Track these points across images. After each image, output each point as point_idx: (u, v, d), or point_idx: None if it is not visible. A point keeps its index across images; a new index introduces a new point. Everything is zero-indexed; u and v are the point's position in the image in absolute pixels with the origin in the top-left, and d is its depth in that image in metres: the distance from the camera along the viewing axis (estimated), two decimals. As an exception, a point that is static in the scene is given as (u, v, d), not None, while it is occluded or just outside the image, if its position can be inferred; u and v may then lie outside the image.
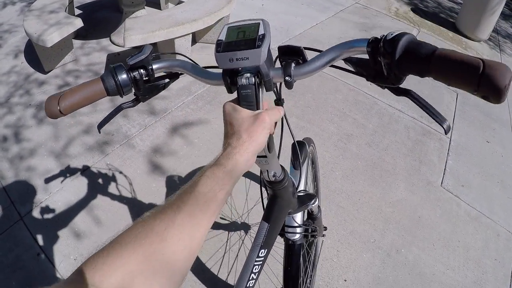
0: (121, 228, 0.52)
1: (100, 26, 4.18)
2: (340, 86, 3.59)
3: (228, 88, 0.74)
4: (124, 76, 0.77)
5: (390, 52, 0.59)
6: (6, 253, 2.09)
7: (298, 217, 1.29)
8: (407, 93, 0.64)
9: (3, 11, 4.68)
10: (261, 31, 0.70)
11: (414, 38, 0.59)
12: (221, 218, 2.29)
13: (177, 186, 2.43)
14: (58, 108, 0.74)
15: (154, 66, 0.83)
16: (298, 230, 1.26)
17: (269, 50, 0.71)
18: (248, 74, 0.71)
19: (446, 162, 2.98)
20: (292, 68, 0.73)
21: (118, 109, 0.87)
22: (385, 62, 0.61)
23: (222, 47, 0.70)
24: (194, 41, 3.86)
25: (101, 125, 0.89)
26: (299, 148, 1.48)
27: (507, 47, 6.05)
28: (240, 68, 0.71)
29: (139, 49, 0.81)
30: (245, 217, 2.31)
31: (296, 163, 1.43)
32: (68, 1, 3.68)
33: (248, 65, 0.69)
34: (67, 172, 2.53)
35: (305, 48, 0.78)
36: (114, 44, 3.88)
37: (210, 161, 0.65)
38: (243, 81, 0.71)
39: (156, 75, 0.83)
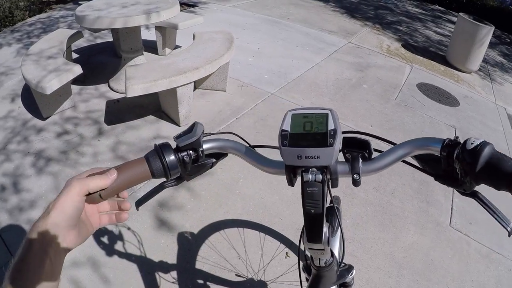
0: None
1: (98, 71, 4.17)
2: (342, 129, 3.57)
3: (290, 181, 0.70)
4: (172, 157, 0.69)
5: (470, 162, 0.57)
6: (6, 317, 1.98)
7: None
8: (474, 195, 0.64)
9: (-1, 52, 4.67)
10: (331, 125, 0.65)
11: (494, 149, 0.57)
12: (236, 275, 2.21)
13: (188, 242, 2.38)
14: (99, 193, 0.65)
15: (205, 146, 0.77)
16: None
17: None
18: (315, 170, 0.66)
19: (452, 200, 2.96)
20: (361, 165, 0.69)
21: (159, 188, 0.82)
22: (462, 171, 0.59)
23: (289, 141, 0.66)
24: (194, 88, 3.83)
25: (139, 203, 0.84)
26: (334, 213, 1.41)
27: (497, 75, 6.19)
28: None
29: (188, 130, 0.75)
30: (261, 273, 2.23)
31: (331, 231, 1.37)
32: (66, 46, 3.67)
33: (318, 165, 0.65)
34: (70, 227, 2.45)
35: (368, 135, 0.75)
36: (112, 90, 3.85)
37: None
38: (309, 177, 0.65)
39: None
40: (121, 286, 2.10)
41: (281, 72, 4.43)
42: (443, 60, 6.06)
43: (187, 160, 0.72)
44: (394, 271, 2.34)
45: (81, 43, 4.77)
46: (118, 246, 2.31)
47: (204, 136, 0.77)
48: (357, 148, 0.71)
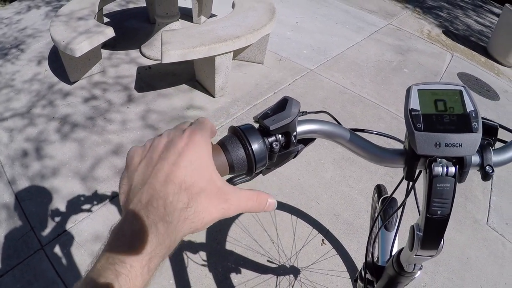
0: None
1: (129, 36, 4.02)
2: (383, 113, 3.38)
3: (412, 175, 0.58)
4: (259, 145, 0.49)
5: None
6: (24, 287, 1.86)
7: None
8: None
9: (27, 14, 4.53)
10: (469, 105, 0.54)
11: None
12: (268, 261, 2.08)
13: (219, 222, 2.23)
14: None
15: (299, 130, 0.58)
16: None
17: None
18: (444, 161, 0.55)
19: (490, 198, 2.79)
20: (492, 155, 0.57)
21: None
22: None
23: (423, 123, 0.52)
24: (230, 58, 3.70)
25: None
26: (390, 204, 1.23)
27: (540, 73, 5.89)
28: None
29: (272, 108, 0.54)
30: (293, 259, 2.11)
31: (389, 223, 1.19)
32: (98, 8, 3.49)
33: (459, 155, 0.53)
34: (94, 198, 2.32)
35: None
36: (144, 56, 3.70)
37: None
38: (439, 170, 0.54)
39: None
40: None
41: (320, 49, 4.25)
42: (484, 51, 5.79)
43: (276, 148, 0.52)
44: (430, 267, 2.24)
45: (112, 7, 4.60)
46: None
47: (300, 115, 0.57)
48: (484, 135, 0.58)
